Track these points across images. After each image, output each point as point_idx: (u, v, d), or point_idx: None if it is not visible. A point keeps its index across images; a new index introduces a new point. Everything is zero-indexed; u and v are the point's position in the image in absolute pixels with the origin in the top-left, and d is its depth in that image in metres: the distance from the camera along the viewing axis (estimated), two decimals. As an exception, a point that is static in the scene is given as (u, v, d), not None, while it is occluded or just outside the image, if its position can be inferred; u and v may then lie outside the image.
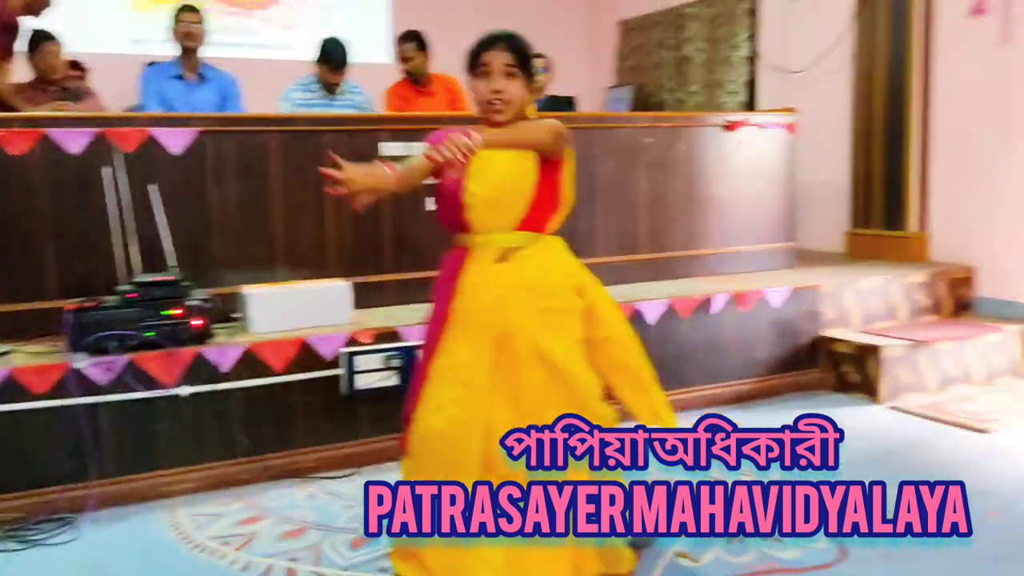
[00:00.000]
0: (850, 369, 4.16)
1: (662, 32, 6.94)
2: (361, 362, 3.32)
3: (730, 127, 4.57)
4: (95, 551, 2.72)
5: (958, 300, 4.71)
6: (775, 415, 3.91)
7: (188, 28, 4.49)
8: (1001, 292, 4.62)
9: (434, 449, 2.14)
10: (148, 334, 3.06)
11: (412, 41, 4.96)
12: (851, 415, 3.91)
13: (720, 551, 2.59)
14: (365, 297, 3.68)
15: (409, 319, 3.47)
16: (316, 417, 3.31)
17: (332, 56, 4.69)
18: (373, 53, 6.62)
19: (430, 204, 3.92)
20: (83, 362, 2.94)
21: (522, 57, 2.16)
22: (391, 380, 3.34)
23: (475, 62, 2.16)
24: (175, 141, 3.51)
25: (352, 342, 3.34)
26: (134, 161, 3.44)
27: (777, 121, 4.71)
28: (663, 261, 4.50)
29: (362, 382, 3.32)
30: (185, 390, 3.09)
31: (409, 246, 3.93)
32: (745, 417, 3.88)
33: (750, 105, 6.11)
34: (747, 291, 4.13)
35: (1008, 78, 4.48)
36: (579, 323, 2.22)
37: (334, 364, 3.32)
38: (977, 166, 4.68)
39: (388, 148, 3.85)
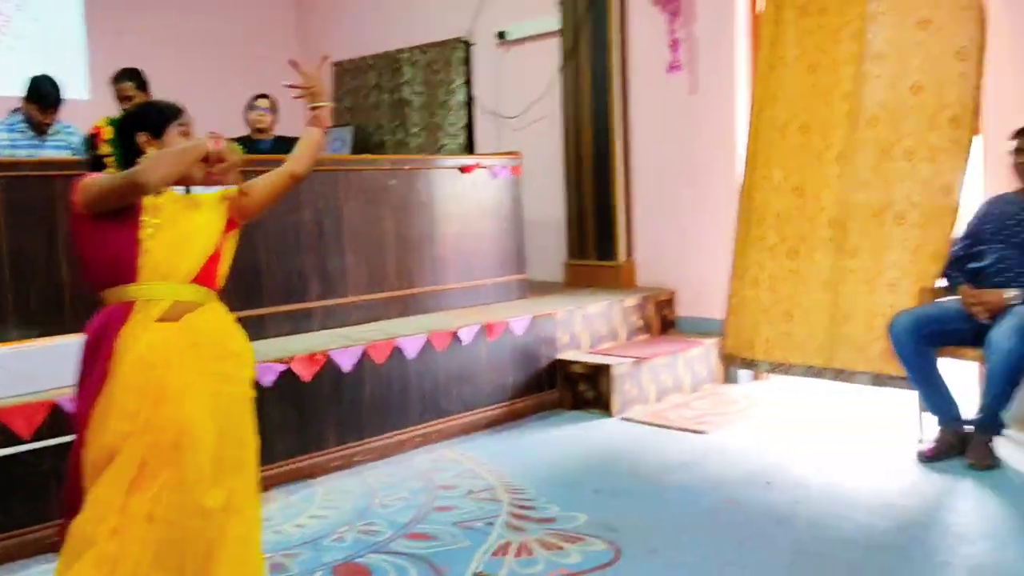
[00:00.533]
0: (585, 387, 4.59)
1: (378, 75, 7.15)
2: (121, 421, 3.12)
3: (465, 170, 4.87)
4: None
5: (664, 320, 5.37)
6: (524, 437, 4.22)
7: None
8: (697, 311, 5.33)
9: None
10: None
11: (130, 80, 4.74)
12: (589, 428, 4.32)
13: (513, 564, 2.78)
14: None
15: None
16: (71, 485, 3.06)
17: (43, 95, 4.37)
18: (69, 89, 6.13)
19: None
20: None
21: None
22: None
23: (175, 116, 2.17)
24: None
25: (109, 400, 3.13)
26: None
27: (505, 164, 5.09)
28: (411, 297, 4.67)
29: (123, 442, 3.12)
30: (-86, 470, 2.73)
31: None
32: (497, 441, 4.16)
33: (469, 148, 6.49)
34: (495, 322, 4.42)
35: (696, 125, 5.22)
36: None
37: (88, 426, 3.08)
38: (673, 202, 5.38)
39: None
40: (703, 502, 3.30)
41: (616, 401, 4.48)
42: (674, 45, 5.21)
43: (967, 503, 3.24)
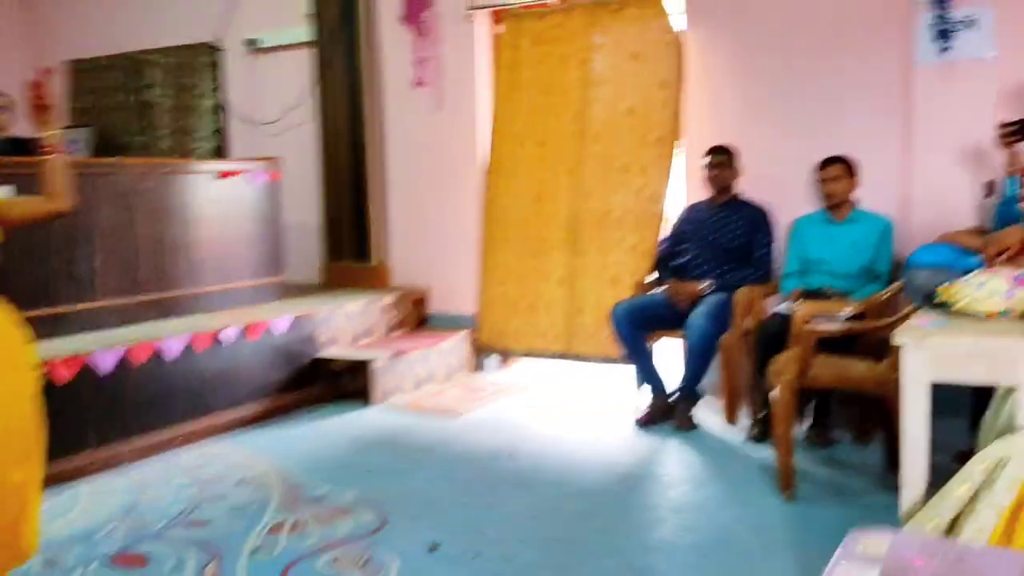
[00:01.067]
0: (347, 381, 4.86)
1: (120, 76, 6.95)
2: None
3: (223, 175, 4.96)
4: None
5: (418, 316, 5.75)
6: (290, 430, 4.42)
7: None
8: (448, 307, 5.76)
9: None
10: None
11: None
12: (352, 418, 4.60)
13: (288, 540, 3.02)
14: None
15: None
16: None
17: None
18: None
19: None
20: None
21: None
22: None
23: None
24: None
25: None
26: None
27: (263, 169, 5.23)
28: (167, 300, 4.68)
29: None
30: None
31: None
32: (263, 436, 4.33)
33: (220, 152, 6.51)
34: (255, 322, 4.57)
35: (442, 137, 5.64)
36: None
37: None
38: (423, 207, 5.78)
39: None
40: (459, 474, 3.70)
41: (376, 392, 4.79)
42: (420, 63, 5.61)
43: (672, 457, 3.90)
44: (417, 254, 5.85)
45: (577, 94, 4.98)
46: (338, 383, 4.88)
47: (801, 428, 3.92)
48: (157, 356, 4.07)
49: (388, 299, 5.52)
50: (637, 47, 4.83)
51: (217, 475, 3.73)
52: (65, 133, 7.00)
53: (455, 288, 5.71)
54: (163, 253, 4.68)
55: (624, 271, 4.81)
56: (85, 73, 7.13)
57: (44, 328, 4.06)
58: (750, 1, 4.66)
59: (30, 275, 4.06)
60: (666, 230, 4.73)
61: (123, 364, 3.92)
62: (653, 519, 3.19)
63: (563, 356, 5.01)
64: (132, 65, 6.86)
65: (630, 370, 4.53)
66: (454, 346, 5.42)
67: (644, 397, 4.42)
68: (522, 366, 5.54)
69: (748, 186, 4.51)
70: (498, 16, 5.40)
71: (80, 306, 4.26)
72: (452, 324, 5.67)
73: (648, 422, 4.25)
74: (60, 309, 4.18)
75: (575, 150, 4.99)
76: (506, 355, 5.26)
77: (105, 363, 3.84)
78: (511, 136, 5.18)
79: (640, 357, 4.36)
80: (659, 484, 3.57)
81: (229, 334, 4.42)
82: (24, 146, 5.79)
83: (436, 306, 5.82)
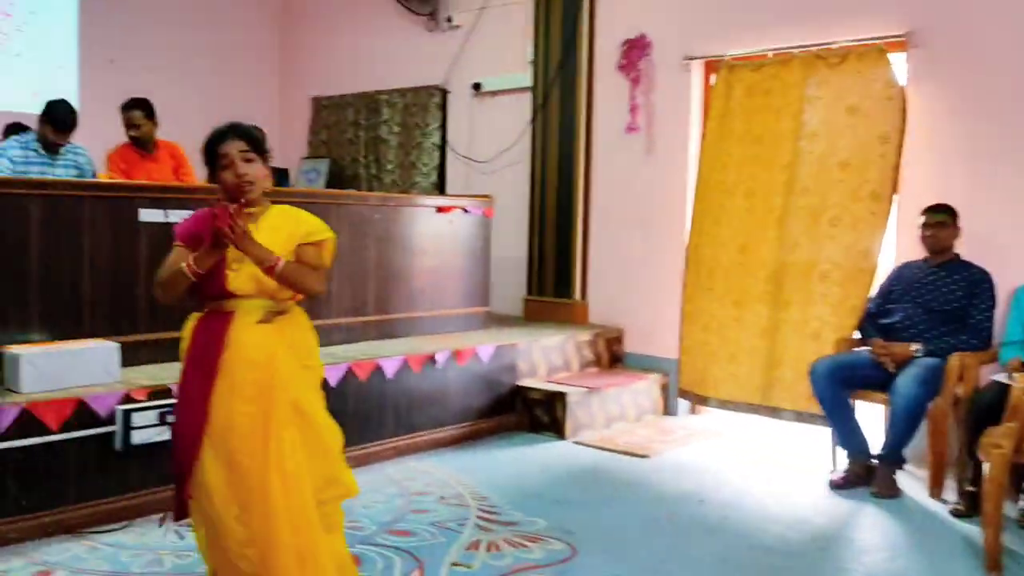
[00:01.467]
0: (541, 412, 5.07)
1: (356, 112, 7.61)
2: (137, 418, 3.49)
3: (443, 210, 5.35)
4: None
5: (612, 355, 5.89)
6: (487, 454, 4.67)
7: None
8: (642, 349, 5.86)
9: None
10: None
11: (139, 109, 5.09)
12: (545, 448, 4.79)
13: (485, 557, 3.23)
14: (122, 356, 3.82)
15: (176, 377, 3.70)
16: (89, 473, 3.42)
17: (57, 118, 4.70)
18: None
19: (187, 268, 4.17)
20: None
21: (253, 141, 2.46)
22: (165, 435, 3.55)
23: (213, 156, 2.44)
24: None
25: (127, 399, 3.51)
26: None
27: (479, 205, 5.59)
28: (387, 322, 5.10)
29: (138, 438, 3.49)
30: (-40, 451, 3.07)
31: (163, 308, 4.11)
32: (462, 457, 4.60)
33: (440, 187, 6.97)
34: (463, 348, 4.87)
35: (650, 181, 5.78)
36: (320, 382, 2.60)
37: (106, 421, 3.45)
38: (625, 249, 5.92)
39: (147, 214, 4.05)
40: (646, 514, 3.79)
41: (569, 425, 4.96)
42: (633, 109, 5.79)
43: (869, 523, 3.79)
44: (616, 294, 5.99)
45: (788, 146, 4.97)
46: (532, 413, 5.09)
47: (1014, 505, 3.71)
48: (378, 372, 4.44)
49: (584, 335, 5.70)
50: (855, 99, 4.76)
51: (421, 490, 4.02)
52: (308, 163, 7.71)
53: (650, 330, 5.80)
54: (387, 279, 5.11)
55: (827, 327, 4.73)
56: (326, 109, 7.86)
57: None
58: (982, 54, 4.50)
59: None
60: (875, 287, 4.62)
61: (347, 379, 4.31)
62: (845, 583, 3.15)
63: (759, 408, 4.98)
64: (369, 103, 7.49)
65: (826, 430, 4.44)
66: (647, 387, 5.51)
67: (841, 459, 4.32)
68: (713, 414, 5.54)
69: (967, 247, 4.33)
70: (712, 66, 5.49)
71: (316, 322, 4.70)
72: (645, 365, 5.76)
73: (844, 485, 4.15)
74: (296, 324, 4.65)
75: (783, 202, 4.97)
76: (702, 402, 5.28)
77: (331, 377, 4.24)
78: (718, 185, 5.23)
79: (841, 416, 4.26)
80: (853, 549, 3.50)
81: (441, 357, 4.74)
82: (275, 176, 6.50)
83: (630, 346, 5.93)
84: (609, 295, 6.04)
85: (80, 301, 3.87)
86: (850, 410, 4.27)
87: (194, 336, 2.51)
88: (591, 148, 6.06)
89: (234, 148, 2.42)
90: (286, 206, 2.58)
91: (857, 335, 4.58)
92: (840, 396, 4.25)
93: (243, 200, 2.40)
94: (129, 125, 5.07)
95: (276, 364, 2.44)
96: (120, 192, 4.06)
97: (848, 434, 4.26)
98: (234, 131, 2.45)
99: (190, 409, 2.43)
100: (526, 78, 6.36)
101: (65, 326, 3.80)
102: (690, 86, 5.60)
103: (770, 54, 5.11)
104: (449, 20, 6.91)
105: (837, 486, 4.15)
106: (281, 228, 2.50)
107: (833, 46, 4.86)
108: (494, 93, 6.66)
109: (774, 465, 4.53)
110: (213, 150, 2.45)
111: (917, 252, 4.47)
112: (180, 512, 2.53)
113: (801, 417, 4.80)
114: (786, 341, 4.87)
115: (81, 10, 7.01)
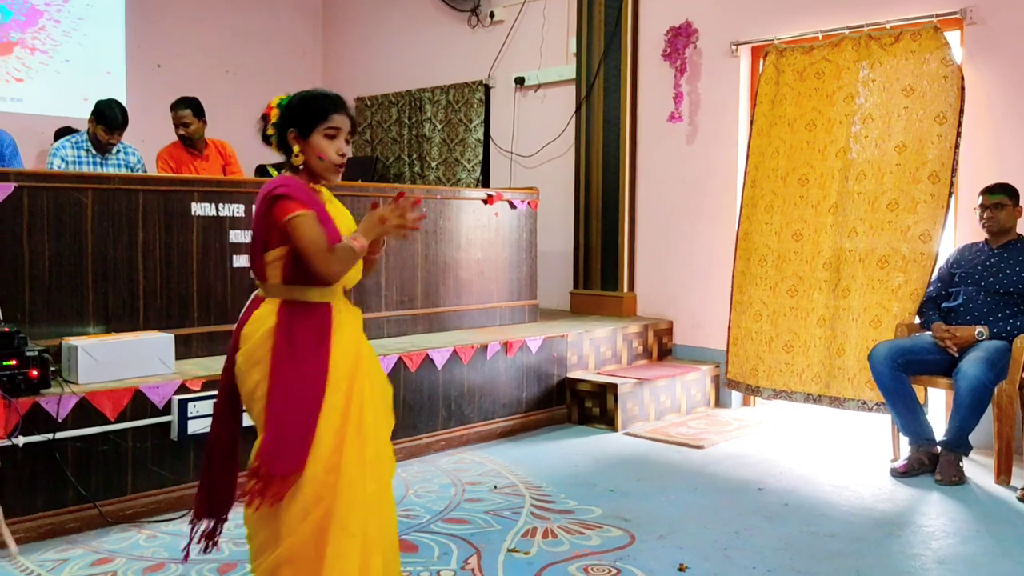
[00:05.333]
0: (592, 404, 5.01)
1: (399, 110, 7.63)
2: (192, 408, 3.51)
3: (489, 201, 5.33)
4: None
5: (662, 347, 5.81)
6: (538, 445, 4.63)
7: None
8: (692, 340, 5.78)
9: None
10: (-17, 384, 3.04)
11: (189, 108, 5.14)
12: (596, 440, 4.73)
13: (542, 544, 3.19)
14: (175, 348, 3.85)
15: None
16: (146, 462, 3.44)
17: (109, 117, 4.75)
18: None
19: (238, 261, 4.20)
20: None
21: (355, 127, 2.35)
22: (220, 424, 3.56)
23: (322, 118, 2.25)
24: (-13, 193, 3.50)
25: (183, 389, 3.53)
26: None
27: (524, 198, 5.55)
28: (435, 315, 5.09)
29: (194, 427, 3.51)
30: (21, 440, 3.10)
31: (216, 301, 4.15)
32: (513, 448, 4.56)
33: (484, 183, 6.96)
34: (513, 340, 4.84)
35: (694, 171, 5.71)
36: None
37: (163, 411, 3.47)
38: (672, 240, 5.85)
39: (198, 208, 4.08)
40: (703, 502, 3.72)
41: (620, 417, 4.90)
42: (678, 98, 5.71)
43: (935, 509, 3.67)
44: (664, 286, 5.92)
45: (842, 130, 4.86)
46: (582, 405, 5.04)
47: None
48: (429, 364, 4.42)
49: (634, 328, 5.63)
50: (911, 80, 4.65)
51: (474, 480, 3.99)
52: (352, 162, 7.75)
53: (700, 322, 5.72)
54: (435, 272, 5.09)
55: (887, 313, 4.62)
56: (369, 108, 7.89)
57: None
58: (1042, 31, 4.37)
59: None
60: (935, 271, 4.50)
61: (397, 369, 4.30)
62: (916, 567, 3.04)
63: (820, 397, 4.88)
64: (412, 101, 7.51)
65: (886, 418, 4.33)
66: (698, 379, 5.43)
67: (903, 446, 4.21)
68: (766, 405, 5.43)
69: (1032, 228, 4.20)
70: (761, 51, 5.40)
71: (367, 315, 4.71)
72: (695, 357, 5.68)
73: (907, 473, 4.04)
74: (345, 317, 4.66)
75: (838, 187, 4.86)
76: (753, 392, 5.18)
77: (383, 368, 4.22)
78: (770, 171, 5.14)
79: (902, 402, 4.15)
80: (921, 534, 3.39)
81: (492, 349, 4.71)
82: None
83: (679, 338, 5.85)
84: (657, 287, 5.96)
85: (134, 294, 3.90)
86: (912, 395, 4.16)
87: (296, 322, 2.26)
88: (636, 139, 6.00)
89: (346, 124, 2.29)
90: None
91: (917, 320, 4.46)
92: (901, 381, 4.14)
93: (326, 179, 2.32)
94: (178, 124, 5.13)
95: (362, 352, 2.37)
96: (173, 186, 4.09)
97: (910, 420, 4.14)
98: (347, 107, 2.31)
99: (307, 396, 2.22)
100: (569, 71, 6.32)
101: (120, 318, 3.84)
102: (738, 72, 5.52)
103: (820, 36, 5.01)
104: (491, 16, 6.90)
105: (900, 474, 4.04)
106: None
107: (886, 26, 4.76)
108: (537, 87, 6.63)
109: (834, 454, 4.42)
110: (322, 112, 2.25)
111: (979, 233, 4.34)
112: (210, 510, 2.46)
113: (865, 406, 4.68)
114: (846, 329, 4.76)
115: (128, 16, 7.13)
